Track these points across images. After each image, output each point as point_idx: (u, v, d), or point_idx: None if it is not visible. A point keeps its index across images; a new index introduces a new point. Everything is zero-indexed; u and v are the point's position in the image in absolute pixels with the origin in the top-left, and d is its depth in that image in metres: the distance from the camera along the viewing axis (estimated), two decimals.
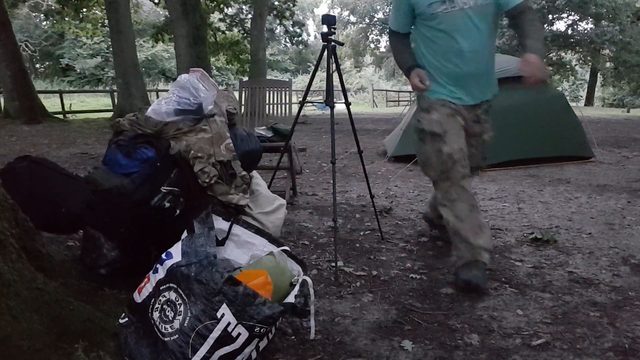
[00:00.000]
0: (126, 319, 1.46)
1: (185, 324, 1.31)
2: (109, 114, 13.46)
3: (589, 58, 25.99)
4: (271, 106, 4.08)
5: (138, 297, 1.47)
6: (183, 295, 1.34)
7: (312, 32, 43.31)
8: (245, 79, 14.89)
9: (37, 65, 31.11)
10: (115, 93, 13.47)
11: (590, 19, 24.93)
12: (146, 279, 1.47)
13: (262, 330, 1.34)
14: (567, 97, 7.06)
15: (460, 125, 2.09)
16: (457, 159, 2.03)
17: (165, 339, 1.32)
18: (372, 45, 33.45)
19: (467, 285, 2.00)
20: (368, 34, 32.57)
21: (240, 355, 1.34)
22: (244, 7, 18.23)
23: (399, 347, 1.59)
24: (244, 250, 1.69)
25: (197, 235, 1.44)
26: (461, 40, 2.00)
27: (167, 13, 14.42)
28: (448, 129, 2.05)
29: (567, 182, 4.44)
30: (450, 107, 2.08)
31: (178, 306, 1.34)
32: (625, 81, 28.89)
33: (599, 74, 29.14)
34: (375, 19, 31.76)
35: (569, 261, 2.40)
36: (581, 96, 28.12)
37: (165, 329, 1.34)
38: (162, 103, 2.01)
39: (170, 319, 1.34)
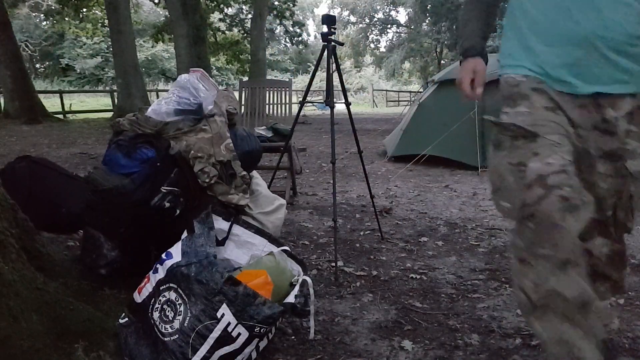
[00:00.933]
0: (126, 319, 1.46)
1: (186, 324, 1.31)
2: (109, 114, 13.47)
3: None
4: (271, 106, 4.08)
5: (138, 297, 1.47)
6: (183, 295, 1.34)
7: (312, 32, 43.41)
8: (245, 79, 14.90)
9: (37, 65, 31.14)
10: (115, 93, 13.49)
11: None
12: (146, 279, 1.48)
13: (262, 330, 1.34)
14: None
15: (566, 129, 1.18)
16: (553, 184, 1.07)
17: (165, 339, 1.32)
18: (372, 45, 33.47)
19: None
20: (368, 34, 32.56)
21: (240, 355, 1.35)
22: (244, 7, 18.25)
23: (399, 347, 1.59)
24: (244, 250, 1.69)
25: (197, 235, 1.44)
26: None
27: (167, 13, 14.43)
28: (543, 129, 1.15)
29: None
30: (550, 96, 1.20)
31: (178, 306, 1.34)
32: None
33: None
34: (375, 19, 31.76)
35: None
36: None
37: (165, 329, 1.34)
38: (162, 103, 2.01)
39: (170, 319, 1.34)
